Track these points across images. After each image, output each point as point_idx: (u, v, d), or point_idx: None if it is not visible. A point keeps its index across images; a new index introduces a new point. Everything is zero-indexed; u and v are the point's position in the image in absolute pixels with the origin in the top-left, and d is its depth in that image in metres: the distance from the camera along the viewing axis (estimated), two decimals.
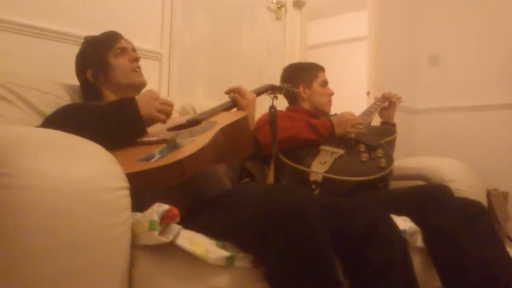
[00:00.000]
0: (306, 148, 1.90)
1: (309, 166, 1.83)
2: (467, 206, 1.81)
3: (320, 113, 2.19)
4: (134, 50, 1.69)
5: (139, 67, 1.66)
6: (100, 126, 1.27)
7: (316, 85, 2.23)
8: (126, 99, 1.36)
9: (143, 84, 1.66)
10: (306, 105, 2.22)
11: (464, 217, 1.69)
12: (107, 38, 1.66)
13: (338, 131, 1.95)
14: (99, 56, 1.62)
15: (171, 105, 1.38)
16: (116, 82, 1.61)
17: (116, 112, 1.32)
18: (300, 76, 2.23)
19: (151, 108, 1.32)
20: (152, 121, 1.34)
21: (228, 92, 1.72)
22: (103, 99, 1.61)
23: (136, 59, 1.66)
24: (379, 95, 2.47)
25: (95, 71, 1.62)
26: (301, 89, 2.20)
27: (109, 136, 1.21)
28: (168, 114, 1.36)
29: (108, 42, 1.64)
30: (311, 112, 2.18)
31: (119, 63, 1.62)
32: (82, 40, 1.73)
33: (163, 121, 1.35)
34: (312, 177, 1.79)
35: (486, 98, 3.47)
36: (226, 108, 1.65)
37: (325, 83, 2.26)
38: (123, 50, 1.64)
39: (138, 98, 1.35)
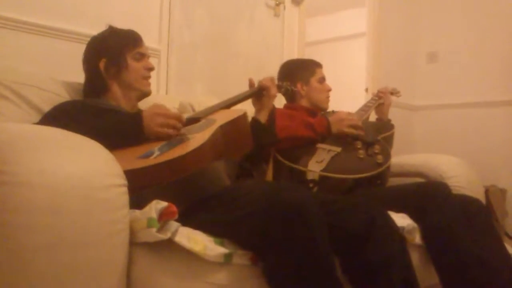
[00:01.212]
0: (303, 147, 1.90)
1: (306, 165, 1.82)
2: (466, 203, 1.81)
3: (318, 110, 2.19)
4: (149, 57, 1.69)
5: (150, 77, 1.66)
6: (99, 130, 1.26)
7: (314, 81, 2.23)
8: (133, 113, 1.38)
9: (149, 93, 1.67)
10: (304, 102, 2.22)
11: (463, 214, 1.69)
12: (132, 37, 1.65)
13: (334, 129, 1.96)
14: (119, 50, 1.61)
15: (175, 117, 1.34)
16: (125, 81, 1.61)
17: (118, 122, 1.33)
18: (298, 73, 2.23)
19: (155, 125, 1.31)
20: (154, 136, 1.32)
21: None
22: (108, 93, 1.61)
23: (151, 69, 1.66)
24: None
25: (109, 63, 1.60)
26: (299, 86, 2.19)
27: (106, 140, 1.20)
28: (172, 127, 1.32)
29: (132, 42, 1.63)
30: (309, 109, 2.18)
31: (135, 66, 1.62)
32: (80, 37, 1.72)
33: (169, 135, 1.32)
34: (309, 176, 1.79)
35: (485, 95, 3.47)
36: (249, 95, 1.71)
37: (322, 79, 2.25)
38: (142, 56, 1.64)
39: (144, 113, 1.33)
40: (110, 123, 1.34)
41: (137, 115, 1.33)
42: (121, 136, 1.29)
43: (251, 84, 1.76)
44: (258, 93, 1.73)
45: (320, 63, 2.32)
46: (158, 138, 1.30)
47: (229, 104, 1.63)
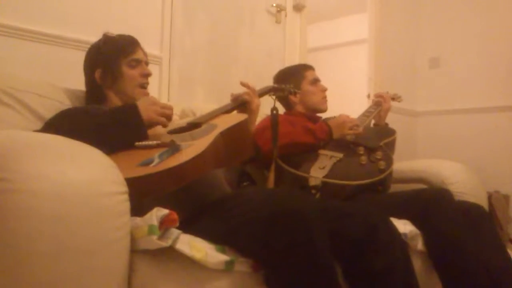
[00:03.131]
0: (305, 153, 1.90)
1: (308, 171, 1.82)
2: (468, 210, 1.81)
3: (316, 113, 2.18)
4: (147, 63, 1.67)
5: (147, 83, 1.64)
6: (100, 130, 1.27)
7: (305, 85, 2.20)
8: (128, 105, 1.40)
9: None
10: (300, 108, 2.21)
11: (465, 220, 1.68)
12: (125, 44, 1.62)
13: (336, 134, 1.95)
14: (112, 59, 1.59)
15: (170, 109, 1.40)
16: (121, 89, 1.60)
17: (117, 117, 1.34)
18: (288, 82, 2.10)
19: (152, 112, 1.34)
20: (153, 124, 1.36)
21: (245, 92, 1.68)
22: (107, 102, 1.61)
23: (147, 75, 1.63)
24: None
25: (104, 73, 1.60)
26: (290, 96, 2.14)
27: (109, 139, 1.21)
28: (168, 117, 1.38)
29: (125, 49, 1.61)
30: (308, 115, 2.17)
31: (130, 74, 1.60)
32: (82, 45, 1.72)
33: (164, 124, 1.37)
34: (312, 182, 1.78)
35: (487, 101, 3.47)
36: (231, 109, 1.65)
37: (315, 81, 2.22)
38: (138, 63, 1.62)
39: (139, 103, 1.36)
40: (108, 117, 1.34)
41: (132, 105, 1.35)
42: (122, 127, 1.31)
43: (232, 97, 1.69)
44: (241, 106, 1.67)
45: (310, 65, 2.28)
46: (157, 138, 1.32)
47: (212, 117, 1.56)
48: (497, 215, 2.87)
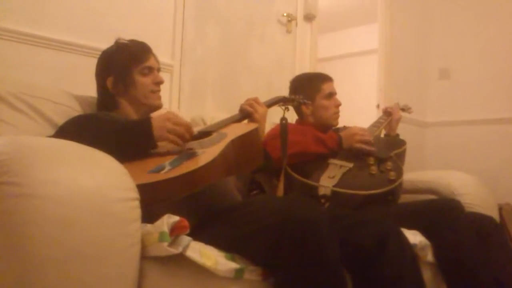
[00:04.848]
0: (315, 162, 1.89)
1: (317, 180, 1.81)
2: (479, 221, 1.80)
3: (327, 127, 2.16)
4: (159, 69, 1.66)
5: (159, 90, 1.64)
6: (111, 139, 1.27)
7: (319, 99, 2.14)
8: (142, 120, 1.37)
9: (159, 107, 1.65)
10: (311, 119, 2.18)
11: (476, 232, 1.67)
12: (137, 51, 1.62)
13: (345, 144, 1.94)
14: (124, 68, 1.59)
15: (186, 126, 1.33)
16: (134, 97, 1.60)
17: (129, 129, 1.34)
18: (303, 92, 2.07)
19: (163, 129, 1.30)
20: (163, 140, 1.33)
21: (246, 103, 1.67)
22: (119, 109, 1.61)
23: (159, 82, 1.63)
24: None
25: (116, 81, 1.59)
26: (303, 106, 2.14)
27: (118, 149, 1.21)
28: (180, 135, 1.31)
29: (137, 56, 1.60)
30: (318, 126, 2.13)
31: (143, 81, 1.59)
32: (94, 52, 1.74)
33: (176, 144, 1.31)
34: (321, 191, 1.77)
35: (497, 112, 3.45)
36: (237, 119, 1.64)
37: (330, 95, 2.16)
38: (150, 70, 1.61)
39: (153, 120, 1.32)
40: (120, 129, 1.34)
41: (146, 119, 1.32)
42: (132, 140, 1.30)
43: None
44: (248, 116, 1.65)
45: (329, 76, 2.22)
46: (168, 147, 1.31)
47: (222, 126, 1.55)
48: (507, 227, 2.85)
